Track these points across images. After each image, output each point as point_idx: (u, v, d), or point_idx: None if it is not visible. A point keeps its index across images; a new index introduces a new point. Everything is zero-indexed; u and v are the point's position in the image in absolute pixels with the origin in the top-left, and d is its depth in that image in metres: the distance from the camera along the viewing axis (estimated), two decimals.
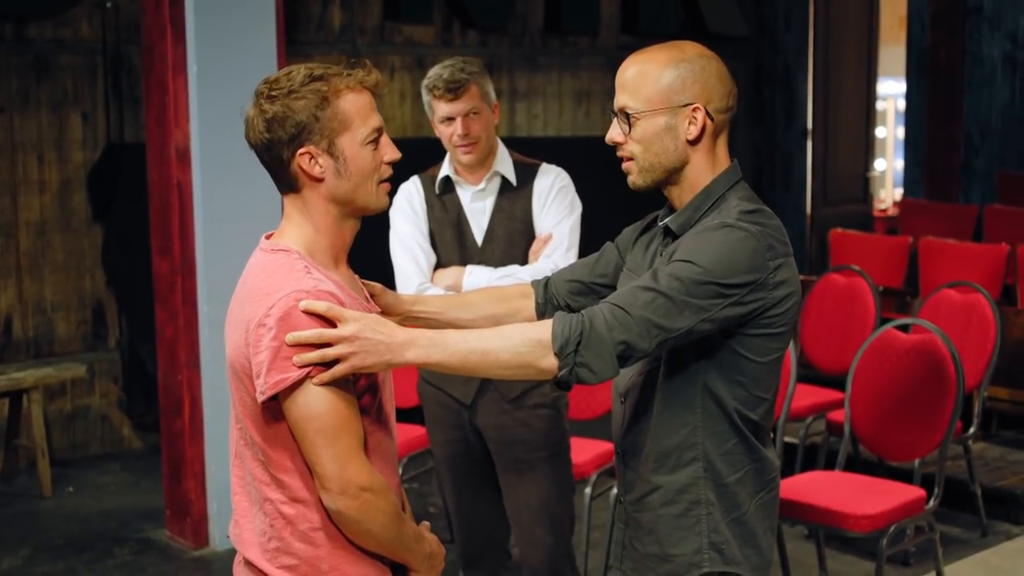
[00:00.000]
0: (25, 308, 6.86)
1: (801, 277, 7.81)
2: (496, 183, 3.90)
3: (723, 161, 2.57)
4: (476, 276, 3.82)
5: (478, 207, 3.91)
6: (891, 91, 12.65)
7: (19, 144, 6.77)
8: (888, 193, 13.01)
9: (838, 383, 5.70)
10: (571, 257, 3.78)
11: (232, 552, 2.47)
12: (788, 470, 5.42)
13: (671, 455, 2.50)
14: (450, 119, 3.78)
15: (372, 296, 2.55)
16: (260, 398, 2.22)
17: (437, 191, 3.94)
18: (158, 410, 5.84)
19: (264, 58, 5.50)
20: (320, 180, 2.31)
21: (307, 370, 2.19)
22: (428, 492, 6.37)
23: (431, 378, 4.02)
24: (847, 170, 10.32)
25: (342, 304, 2.24)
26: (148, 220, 5.74)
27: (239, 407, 2.34)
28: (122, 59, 7.05)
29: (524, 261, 3.87)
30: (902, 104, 11.29)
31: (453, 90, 3.75)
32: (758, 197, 2.54)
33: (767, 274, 2.36)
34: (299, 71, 2.29)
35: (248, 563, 2.38)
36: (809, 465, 5.69)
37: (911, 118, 10.34)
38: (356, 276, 2.51)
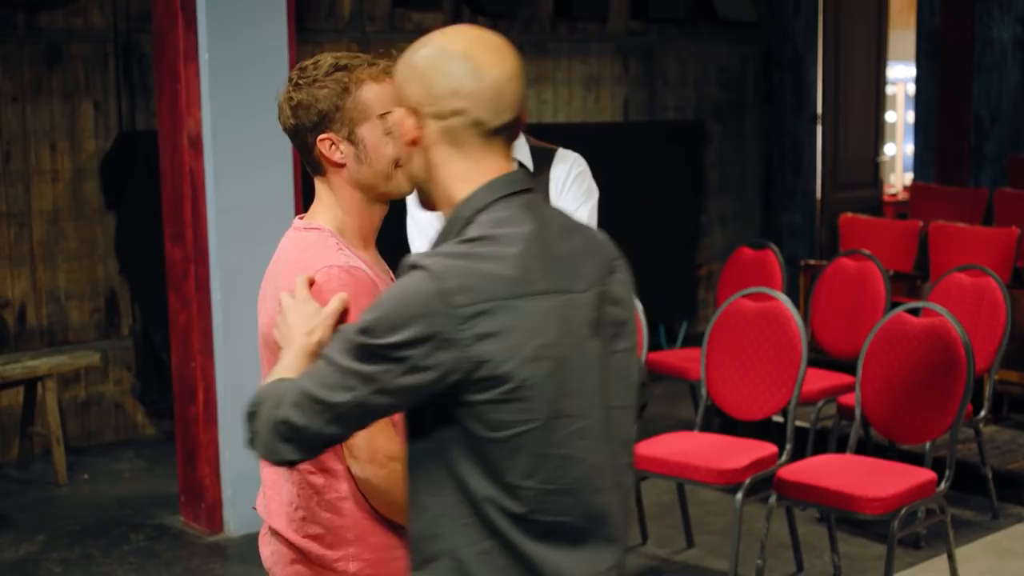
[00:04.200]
0: (39, 296, 6.89)
1: (811, 262, 7.86)
2: None
3: (487, 173, 1.96)
4: None
5: None
6: (901, 75, 12.61)
7: (32, 133, 6.79)
8: (898, 177, 12.98)
9: (849, 367, 5.72)
10: None
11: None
12: (799, 453, 5.44)
13: (416, 545, 1.97)
14: None
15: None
16: None
17: None
18: (172, 397, 5.87)
19: (275, 46, 5.52)
20: (342, 165, 2.39)
21: None
22: None
23: None
24: (857, 155, 10.31)
25: (373, 283, 2.30)
26: (161, 208, 5.77)
27: None
28: (133, 47, 7.07)
29: None
30: (912, 88, 11.26)
31: None
32: (530, 217, 1.93)
33: (454, 326, 1.81)
34: (327, 60, 2.38)
35: (274, 533, 2.43)
36: (820, 449, 5.71)
37: (921, 102, 10.32)
38: (382, 259, 2.56)
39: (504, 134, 1.96)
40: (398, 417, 2.33)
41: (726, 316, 5.18)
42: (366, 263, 2.37)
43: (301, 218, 2.47)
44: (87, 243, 7.04)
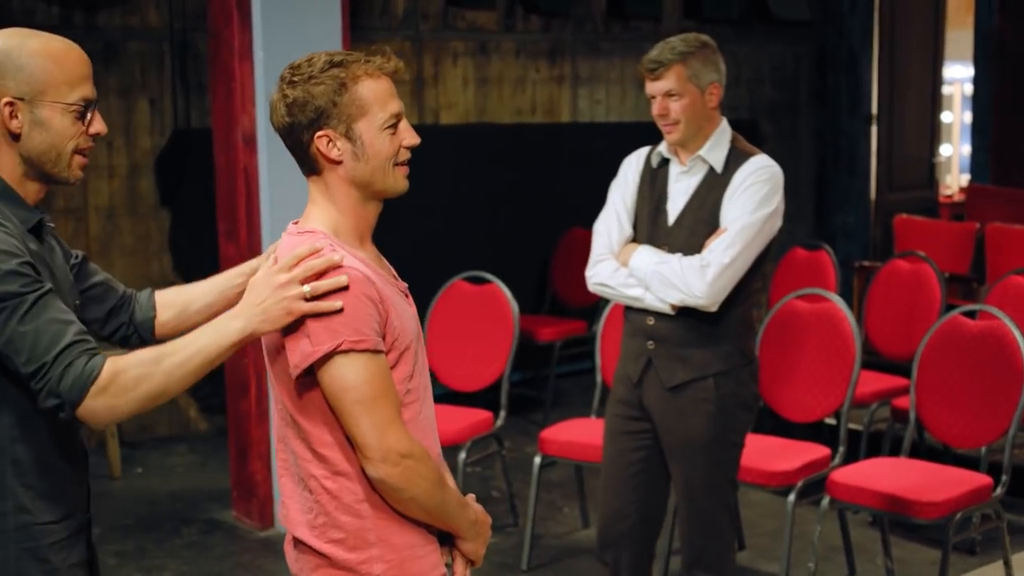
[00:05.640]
0: None
1: (866, 263, 7.79)
2: (701, 168, 3.83)
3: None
4: (640, 257, 3.82)
5: (680, 188, 3.86)
6: (958, 75, 12.47)
7: None
8: (954, 179, 12.84)
9: (903, 370, 5.66)
10: (726, 256, 3.67)
11: None
12: (852, 456, 5.39)
13: None
14: (653, 97, 3.79)
15: None
16: (293, 372, 2.29)
17: (654, 165, 3.93)
18: (224, 392, 5.91)
19: (329, 44, 5.54)
20: (338, 163, 2.37)
21: (338, 341, 2.24)
22: (491, 476, 6.40)
23: (622, 350, 4.02)
24: (913, 155, 10.21)
25: (370, 280, 2.30)
26: (215, 204, 5.81)
27: (277, 386, 2.39)
28: (189, 46, 7.13)
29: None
30: (969, 89, 11.14)
31: (652, 70, 3.76)
32: None
33: None
34: (320, 57, 2.35)
35: (298, 541, 2.44)
36: (873, 452, 5.66)
37: (978, 103, 10.20)
38: (382, 256, 2.56)
39: None
40: (407, 414, 2.34)
41: (779, 317, 5.15)
42: (362, 260, 2.36)
43: (296, 223, 2.46)
44: (142, 239, 7.10)
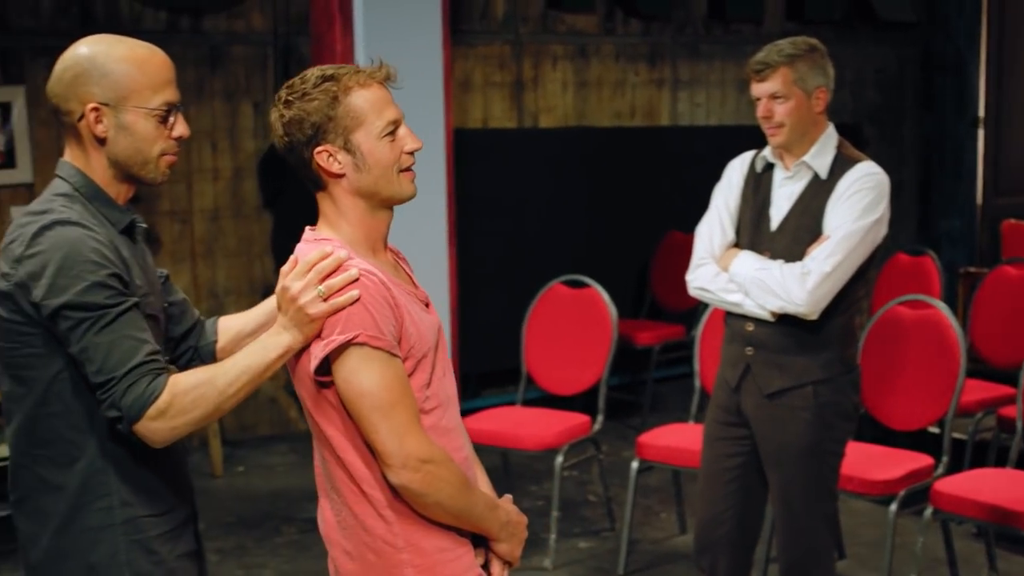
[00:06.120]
0: (199, 292, 7.08)
1: (972, 269, 7.65)
2: (805, 173, 3.79)
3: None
4: (741, 262, 3.80)
5: (783, 194, 3.83)
6: None
7: (194, 133, 6.89)
8: None
9: (1010, 378, 5.54)
10: (827, 265, 3.62)
11: None
12: (956, 466, 5.29)
13: None
14: (758, 99, 3.77)
15: None
16: (312, 364, 2.30)
17: (758, 170, 3.91)
18: None
19: (430, 47, 5.58)
20: (341, 176, 2.37)
21: (355, 333, 2.25)
22: (588, 480, 6.39)
23: (721, 355, 4.01)
24: (1021, 159, 9.99)
25: (386, 285, 2.32)
26: (316, 207, 5.85)
27: (303, 393, 2.41)
28: (292, 50, 7.21)
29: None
30: None
31: (758, 71, 3.74)
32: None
33: None
34: (313, 73, 2.37)
35: (332, 544, 2.45)
36: (978, 462, 5.55)
37: None
38: (401, 260, 2.57)
39: None
40: (427, 421, 2.33)
41: (882, 323, 5.07)
42: (378, 270, 2.36)
43: (313, 228, 2.48)
44: (245, 240, 7.21)
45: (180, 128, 2.44)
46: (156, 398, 2.22)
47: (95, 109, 2.34)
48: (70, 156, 2.41)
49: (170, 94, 2.41)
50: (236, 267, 7.19)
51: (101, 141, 2.37)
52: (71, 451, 2.33)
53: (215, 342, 2.74)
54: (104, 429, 2.33)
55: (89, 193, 2.38)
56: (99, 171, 2.40)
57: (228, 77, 7.06)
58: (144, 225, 2.53)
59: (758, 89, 3.75)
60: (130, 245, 2.43)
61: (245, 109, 7.14)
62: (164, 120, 2.40)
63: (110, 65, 2.34)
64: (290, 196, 7.16)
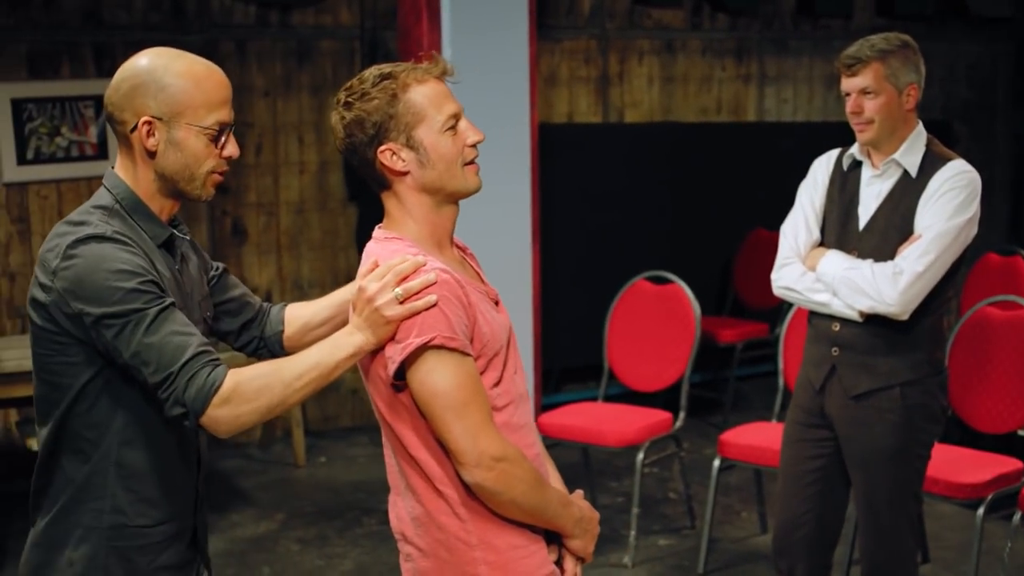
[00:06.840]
0: (283, 284, 7.15)
1: None
2: (894, 171, 3.74)
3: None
4: (829, 262, 3.76)
5: (872, 192, 3.78)
6: None
7: (281, 127, 7.06)
8: None
9: None
10: (920, 264, 3.57)
11: None
12: None
13: None
14: (848, 94, 3.72)
15: None
16: (390, 367, 2.30)
17: (844, 167, 3.87)
18: None
19: (516, 42, 5.58)
20: (405, 173, 2.37)
21: (431, 335, 2.25)
22: (669, 477, 6.36)
23: (804, 355, 3.98)
24: None
25: (460, 283, 2.32)
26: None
27: (371, 391, 2.42)
28: (379, 44, 7.26)
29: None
30: None
31: (849, 66, 3.69)
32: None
33: None
34: (371, 73, 2.38)
35: (405, 539, 2.46)
36: None
37: None
38: (469, 257, 2.57)
39: None
40: (499, 419, 2.33)
41: (971, 324, 4.99)
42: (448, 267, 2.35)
43: (381, 227, 2.47)
44: (330, 233, 7.27)
45: (231, 148, 2.43)
46: (219, 386, 2.22)
47: (148, 122, 2.35)
48: (119, 166, 2.43)
49: (224, 114, 2.40)
50: (320, 259, 7.25)
51: (151, 154, 2.37)
52: (87, 448, 2.36)
53: (282, 331, 2.75)
54: (119, 435, 2.36)
55: (130, 205, 2.39)
56: (144, 184, 2.41)
57: (315, 71, 7.12)
58: (188, 238, 2.54)
59: (848, 84, 3.70)
60: (168, 260, 2.44)
61: (332, 103, 7.17)
62: (215, 139, 2.39)
63: (168, 79, 2.35)
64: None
